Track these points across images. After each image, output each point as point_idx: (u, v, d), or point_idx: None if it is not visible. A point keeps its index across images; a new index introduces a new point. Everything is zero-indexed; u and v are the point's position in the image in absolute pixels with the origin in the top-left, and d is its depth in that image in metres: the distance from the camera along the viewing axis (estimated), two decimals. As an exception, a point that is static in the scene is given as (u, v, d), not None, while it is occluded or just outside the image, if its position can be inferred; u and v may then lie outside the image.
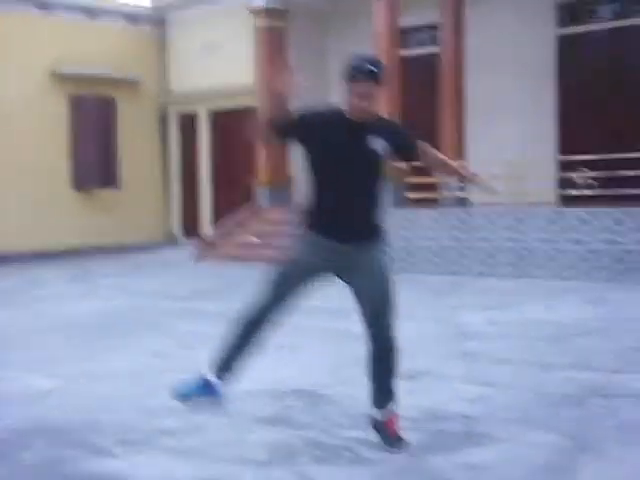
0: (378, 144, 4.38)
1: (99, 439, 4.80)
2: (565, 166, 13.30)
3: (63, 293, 12.02)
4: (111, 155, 18.61)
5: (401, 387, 5.83)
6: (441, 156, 4.89)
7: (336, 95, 16.00)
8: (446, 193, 13.77)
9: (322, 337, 7.63)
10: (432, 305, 9.93)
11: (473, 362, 6.65)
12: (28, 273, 14.64)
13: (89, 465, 4.35)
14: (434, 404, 5.38)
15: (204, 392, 4.58)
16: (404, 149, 4.57)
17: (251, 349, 4.56)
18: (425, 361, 6.71)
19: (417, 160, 4.66)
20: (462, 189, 13.62)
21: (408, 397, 5.55)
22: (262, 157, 16.59)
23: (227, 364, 4.58)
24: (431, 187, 13.94)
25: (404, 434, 4.48)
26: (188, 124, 19.34)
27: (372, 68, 4.26)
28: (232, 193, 18.20)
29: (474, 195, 13.56)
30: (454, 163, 4.97)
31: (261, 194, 16.76)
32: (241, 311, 4.55)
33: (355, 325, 8.19)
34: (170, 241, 19.49)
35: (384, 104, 14.06)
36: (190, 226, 19.30)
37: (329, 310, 8.84)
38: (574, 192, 12.46)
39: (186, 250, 16.89)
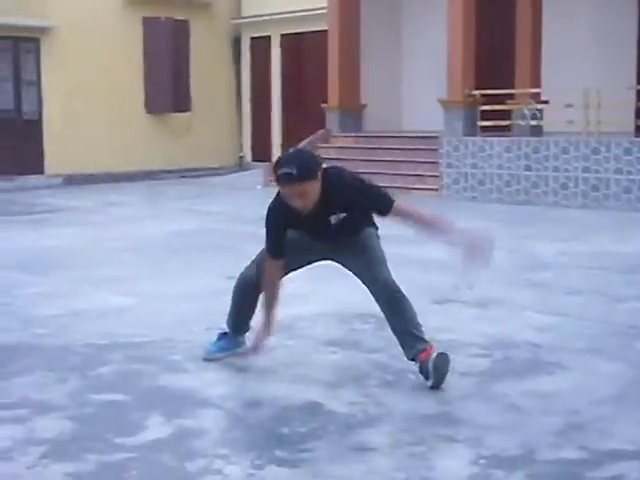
0: (340, 215, 4.31)
1: (173, 356, 4.94)
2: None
3: (137, 215, 12.24)
4: (184, 79, 18.68)
5: (471, 314, 5.88)
6: (426, 216, 4.44)
7: (407, 73, 15.73)
8: (520, 121, 13.55)
9: (390, 264, 7.64)
10: (504, 235, 9.84)
11: (544, 292, 6.63)
12: (102, 195, 14.91)
13: (164, 380, 4.49)
14: (503, 332, 5.39)
15: (230, 346, 4.78)
16: (382, 213, 4.35)
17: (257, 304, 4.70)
18: (496, 290, 6.71)
19: (398, 220, 4.37)
20: (536, 117, 13.39)
21: (477, 324, 5.59)
22: (334, 82, 16.46)
23: (242, 324, 4.77)
24: (504, 115, 13.72)
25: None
26: (260, 48, 19.28)
27: (287, 171, 4.09)
28: (303, 118, 18.16)
29: (549, 124, 13.33)
30: (444, 224, 4.51)
31: (331, 119, 16.68)
32: (243, 275, 4.67)
33: (422, 252, 8.23)
34: (240, 165, 19.61)
35: (457, 27, 13.84)
36: (261, 150, 19.35)
37: (397, 237, 8.84)
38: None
39: (256, 174, 16.98)
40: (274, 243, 4.41)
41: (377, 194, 4.35)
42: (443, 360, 4.26)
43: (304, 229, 4.42)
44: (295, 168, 4.11)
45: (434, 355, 4.23)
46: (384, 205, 4.29)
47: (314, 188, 4.18)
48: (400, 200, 4.32)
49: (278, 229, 4.39)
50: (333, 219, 4.31)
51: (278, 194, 4.33)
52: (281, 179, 4.16)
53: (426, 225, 4.42)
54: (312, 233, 4.44)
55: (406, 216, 4.34)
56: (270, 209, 4.41)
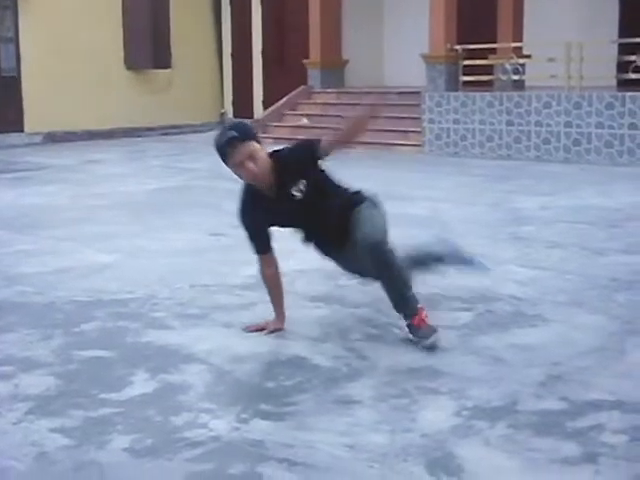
0: (300, 185, 4.29)
1: (157, 313, 4.95)
2: (626, 49, 12.92)
3: (118, 173, 12.19)
4: (163, 34, 18.50)
5: (453, 269, 5.90)
6: (345, 129, 4.39)
7: (389, 29, 15.60)
8: (501, 76, 13.52)
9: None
10: (486, 189, 9.89)
11: (525, 246, 6.67)
12: (83, 152, 14.82)
13: (149, 336, 4.51)
14: (485, 285, 5.43)
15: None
16: (317, 157, 4.31)
17: None
18: (478, 244, 6.73)
19: (332, 152, 4.31)
20: (518, 72, 13.36)
21: (459, 278, 5.61)
22: (316, 38, 16.34)
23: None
24: (486, 70, 13.69)
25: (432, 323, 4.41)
26: (241, 3, 19.08)
27: (229, 135, 4.15)
28: (285, 73, 18.04)
29: (531, 79, 13.32)
30: (356, 118, 4.46)
31: (313, 75, 16.58)
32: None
33: (405, 208, 8.24)
34: (222, 122, 19.50)
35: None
36: (242, 107, 19.25)
37: (381, 194, 8.87)
38: (633, 76, 12.14)
39: (238, 131, 16.88)
40: (256, 240, 4.42)
41: (304, 142, 4.38)
42: (432, 337, 4.23)
43: (279, 220, 4.42)
44: (234, 131, 4.19)
45: (425, 329, 4.24)
46: (313, 145, 4.28)
47: (260, 151, 4.20)
48: (325, 137, 4.31)
49: (255, 224, 4.37)
50: (295, 191, 4.28)
51: (243, 193, 4.38)
52: (226, 145, 4.16)
53: (344, 137, 4.37)
54: (288, 220, 4.44)
55: (334, 144, 4.30)
56: (240, 210, 4.40)
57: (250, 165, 4.16)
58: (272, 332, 4.47)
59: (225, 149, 4.18)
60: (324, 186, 4.40)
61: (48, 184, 10.89)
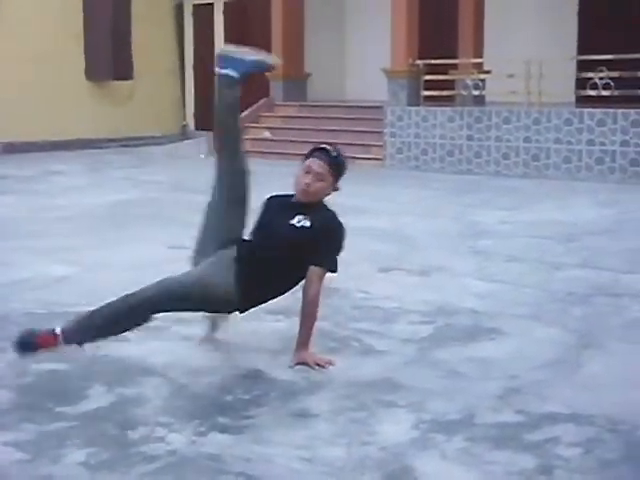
0: (303, 225, 4.19)
1: (115, 325, 4.90)
2: (584, 66, 13.09)
3: (78, 184, 12.09)
4: (125, 45, 18.41)
5: (414, 282, 5.94)
6: (305, 303, 4.21)
7: (351, 42, 15.66)
8: (462, 91, 13.63)
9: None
10: (446, 203, 9.96)
11: (484, 259, 6.72)
12: (42, 163, 14.68)
13: (106, 349, 4.45)
14: (444, 299, 5.45)
15: None
16: (314, 258, 4.17)
17: None
18: (437, 257, 6.78)
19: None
20: (478, 87, 13.48)
21: (420, 292, 5.65)
22: (278, 50, 16.36)
23: None
24: (447, 85, 13.79)
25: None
26: (203, 15, 19.08)
27: (331, 150, 4.27)
28: (247, 86, 17.95)
29: (491, 94, 13.44)
30: (303, 326, 4.24)
31: (275, 88, 16.59)
32: None
33: (366, 221, 8.27)
34: (183, 134, 19.44)
35: (404, 7, 13.83)
36: (204, 119, 19.20)
37: (349, 208, 8.89)
38: (592, 92, 12.30)
39: (199, 143, 16.86)
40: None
41: (333, 250, 4.22)
42: None
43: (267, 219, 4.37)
44: (337, 153, 4.29)
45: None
46: (324, 262, 4.17)
47: (327, 186, 4.25)
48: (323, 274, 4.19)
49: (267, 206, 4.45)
50: (296, 220, 4.21)
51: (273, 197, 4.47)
52: (321, 153, 4.26)
53: (302, 306, 4.24)
54: (269, 224, 4.33)
55: (308, 285, 4.17)
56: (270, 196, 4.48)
57: (310, 181, 4.21)
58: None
59: (315, 153, 4.28)
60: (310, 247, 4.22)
61: (5, 195, 10.77)
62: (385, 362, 4.27)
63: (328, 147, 4.33)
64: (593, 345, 4.55)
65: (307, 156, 4.33)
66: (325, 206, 4.32)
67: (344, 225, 4.29)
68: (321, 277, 4.19)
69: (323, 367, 4.11)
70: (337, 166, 4.28)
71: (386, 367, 4.18)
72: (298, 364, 4.13)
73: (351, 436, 3.36)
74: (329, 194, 4.32)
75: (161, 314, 4.09)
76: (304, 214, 4.21)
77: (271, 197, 4.50)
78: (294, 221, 4.20)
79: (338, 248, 4.25)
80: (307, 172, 4.24)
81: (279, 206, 4.37)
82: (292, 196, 4.36)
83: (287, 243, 4.16)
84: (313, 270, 4.16)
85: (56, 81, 17.37)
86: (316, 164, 4.25)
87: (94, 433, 3.40)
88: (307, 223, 4.19)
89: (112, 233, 7.99)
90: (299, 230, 4.18)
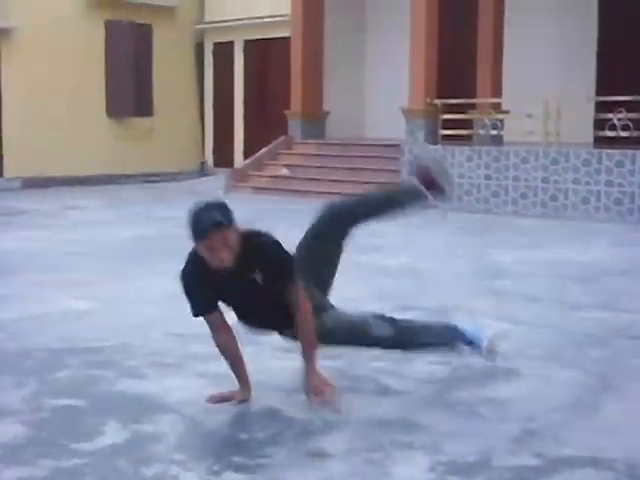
0: (258, 276, 4.04)
1: (131, 361, 4.91)
2: (603, 107, 13.11)
3: (97, 219, 12.16)
4: (146, 83, 18.61)
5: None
6: (302, 319, 4.09)
7: (369, 81, 15.76)
8: (480, 131, 13.66)
9: (346, 270, 7.68)
10: (463, 243, 9.94)
11: (502, 299, 6.69)
12: (62, 198, 14.79)
13: (122, 385, 4.46)
14: (461, 339, 5.41)
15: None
16: (279, 281, 4.05)
17: None
18: (454, 297, 6.76)
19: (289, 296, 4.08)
20: (496, 127, 13.51)
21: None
22: (297, 89, 16.49)
23: None
24: (465, 124, 13.83)
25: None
26: (223, 53, 19.26)
27: (216, 219, 3.86)
28: (265, 124, 18.16)
29: (509, 134, 13.47)
30: (306, 343, 4.13)
31: (294, 126, 16.69)
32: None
33: (383, 259, 8.26)
34: (202, 171, 19.55)
35: (420, 36, 13.92)
36: (222, 156, 19.33)
37: (362, 246, 8.90)
38: (610, 133, 12.30)
39: (217, 180, 16.93)
40: (196, 297, 4.10)
41: (282, 261, 4.06)
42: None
43: (226, 296, 4.16)
44: (220, 215, 3.88)
45: None
46: (287, 277, 4.05)
47: (236, 240, 3.93)
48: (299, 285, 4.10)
49: (197, 286, 4.08)
50: (256, 276, 4.03)
51: (188, 263, 4.09)
52: (210, 228, 3.85)
53: (298, 324, 4.12)
54: (234, 295, 4.14)
55: (294, 306, 4.08)
56: (183, 275, 4.11)
57: (224, 254, 3.89)
58: (239, 403, 4.18)
59: (206, 233, 3.86)
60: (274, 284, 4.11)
61: (25, 229, 10.84)
62: (401, 402, 4.24)
63: (215, 219, 3.87)
64: (611, 388, 4.51)
65: (197, 236, 3.92)
66: (246, 244, 3.98)
67: (264, 232, 4.11)
68: (298, 290, 4.07)
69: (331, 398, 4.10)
70: (229, 222, 3.91)
71: (402, 407, 4.16)
72: (316, 396, 4.08)
73: (366, 477, 3.33)
74: (237, 237, 3.96)
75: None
76: (242, 270, 3.98)
77: (189, 274, 4.12)
78: (251, 277, 4.03)
79: (283, 256, 4.06)
80: (212, 250, 3.89)
81: (213, 281, 4.04)
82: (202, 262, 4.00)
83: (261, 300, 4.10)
84: (289, 291, 4.05)
85: (77, 117, 17.56)
86: (220, 240, 3.87)
87: (108, 470, 3.38)
88: (255, 275, 4.03)
89: (129, 268, 8.02)
90: (260, 280, 4.04)
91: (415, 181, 4.33)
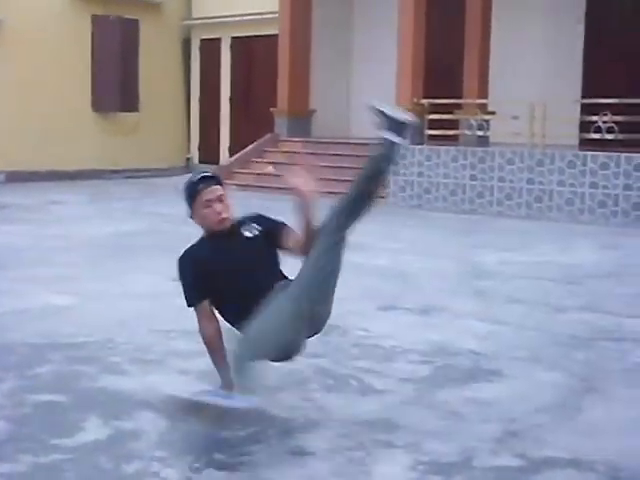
0: (252, 229, 4.19)
1: (113, 357, 4.88)
2: (588, 109, 13.14)
3: (81, 214, 12.10)
4: (132, 78, 18.53)
5: (414, 321, 5.92)
6: (302, 225, 4.01)
7: (356, 80, 15.63)
8: (466, 131, 13.68)
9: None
10: (448, 243, 9.95)
11: (486, 300, 6.70)
12: (46, 193, 14.71)
13: (103, 381, 4.44)
14: (444, 339, 5.43)
15: None
16: (274, 231, 4.17)
17: None
18: (437, 297, 6.76)
19: (291, 245, 4.09)
20: (482, 128, 13.53)
21: (420, 331, 5.63)
22: (284, 87, 16.47)
23: None
24: (451, 124, 13.85)
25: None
26: (210, 50, 19.21)
27: (203, 173, 4.23)
28: (252, 121, 18.13)
29: (495, 135, 13.49)
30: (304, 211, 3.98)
31: (280, 124, 16.67)
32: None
33: (367, 259, 8.25)
34: (188, 167, 19.50)
35: (408, 36, 13.92)
36: (208, 153, 19.28)
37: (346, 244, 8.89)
38: (595, 136, 12.34)
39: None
40: (193, 287, 4.11)
41: (276, 220, 4.26)
42: None
43: (221, 263, 4.13)
44: (210, 173, 4.26)
45: None
46: (281, 224, 4.20)
47: (228, 198, 4.16)
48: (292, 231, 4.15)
49: (193, 268, 4.12)
50: (246, 231, 4.17)
51: (189, 248, 4.24)
52: (200, 182, 4.14)
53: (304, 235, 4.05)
54: (231, 261, 4.13)
55: (293, 235, 4.11)
56: (182, 257, 4.22)
57: (221, 208, 4.12)
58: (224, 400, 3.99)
59: (197, 186, 4.13)
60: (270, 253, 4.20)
61: (7, 224, 10.77)
62: (383, 401, 4.24)
63: (206, 174, 4.24)
64: (594, 390, 4.52)
65: (191, 196, 4.17)
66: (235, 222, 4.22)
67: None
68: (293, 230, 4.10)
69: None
70: (218, 180, 4.22)
71: (384, 406, 4.15)
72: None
73: (348, 476, 3.33)
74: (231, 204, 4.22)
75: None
76: (239, 229, 4.18)
77: (189, 254, 4.23)
78: (246, 233, 4.17)
79: (271, 216, 4.30)
80: (209, 205, 4.11)
81: (213, 247, 4.17)
82: (204, 239, 4.23)
83: (257, 257, 4.12)
84: (285, 232, 4.13)
85: (63, 111, 17.46)
86: (214, 193, 4.13)
87: (89, 466, 3.37)
88: (255, 231, 4.18)
89: (113, 264, 7.98)
90: (255, 239, 4.16)
91: (380, 133, 4.23)
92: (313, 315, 3.87)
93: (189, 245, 4.26)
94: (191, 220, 4.24)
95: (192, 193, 4.17)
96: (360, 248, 8.78)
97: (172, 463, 3.41)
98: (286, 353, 3.94)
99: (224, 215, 4.13)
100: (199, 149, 19.77)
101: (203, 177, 4.19)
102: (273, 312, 3.71)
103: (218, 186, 4.17)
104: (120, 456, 3.46)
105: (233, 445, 3.62)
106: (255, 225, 4.22)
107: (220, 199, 4.14)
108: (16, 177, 16.68)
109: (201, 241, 4.26)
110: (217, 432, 3.78)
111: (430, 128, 13.79)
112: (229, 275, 4.08)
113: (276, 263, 4.19)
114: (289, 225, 4.15)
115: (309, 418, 3.96)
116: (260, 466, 3.42)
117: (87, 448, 3.55)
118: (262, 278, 4.05)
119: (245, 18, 18.09)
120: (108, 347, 5.09)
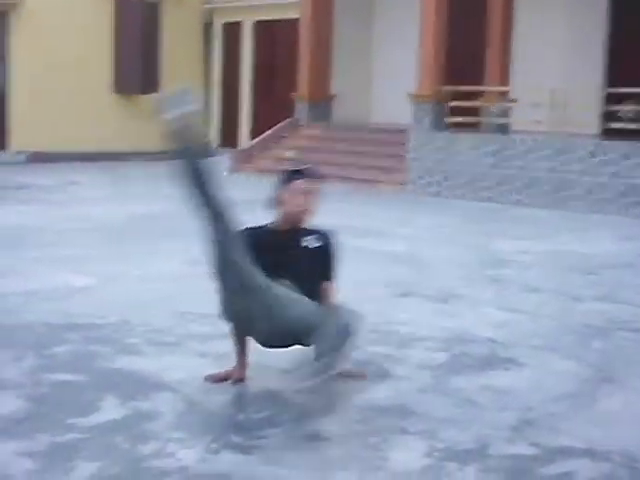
0: (312, 241, 4.26)
1: (130, 338, 4.91)
2: (611, 98, 13.06)
3: (100, 196, 12.15)
4: (153, 61, 18.54)
5: (431, 308, 5.91)
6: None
7: (377, 66, 15.66)
8: (487, 119, 13.62)
9: (357, 257, 7.67)
10: (467, 231, 9.93)
11: (503, 289, 6.68)
12: (66, 174, 14.77)
13: (120, 362, 4.46)
14: (461, 326, 5.42)
15: None
16: (321, 264, 4.28)
17: None
18: (455, 284, 6.75)
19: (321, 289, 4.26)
20: (503, 115, 13.47)
21: (437, 318, 5.62)
22: (304, 72, 16.44)
23: None
24: (472, 112, 13.79)
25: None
26: (231, 33, 19.19)
27: (312, 168, 4.37)
28: (272, 106, 18.12)
29: (516, 123, 13.43)
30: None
31: (300, 109, 16.65)
32: None
33: (385, 245, 8.25)
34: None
35: (430, 22, 13.87)
36: (228, 136, 19.29)
37: (363, 231, 8.89)
38: (617, 125, 12.26)
39: (222, 160, 16.90)
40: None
41: (334, 263, 4.34)
42: None
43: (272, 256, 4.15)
44: (316, 169, 4.37)
45: None
46: (331, 272, 4.32)
47: (317, 202, 4.27)
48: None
49: (250, 239, 4.10)
50: (304, 241, 4.24)
51: (255, 225, 4.28)
52: (307, 172, 4.28)
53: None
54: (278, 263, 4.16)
55: (327, 295, 4.27)
56: (246, 228, 4.18)
57: (304, 201, 4.21)
58: (236, 382, 4.20)
59: (301, 174, 4.26)
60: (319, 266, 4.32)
61: (28, 204, 10.83)
62: (400, 388, 4.24)
63: (312, 167, 4.39)
64: (611, 379, 4.50)
65: (290, 178, 4.25)
66: (313, 228, 4.34)
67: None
68: (333, 288, 4.32)
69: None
70: (322, 181, 4.36)
71: (401, 393, 4.16)
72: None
73: (363, 461, 3.34)
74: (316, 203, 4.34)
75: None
76: (300, 236, 4.25)
77: (250, 230, 4.24)
78: (304, 244, 4.24)
79: (336, 260, 4.38)
80: (302, 193, 4.21)
81: (270, 239, 4.21)
82: (268, 228, 4.27)
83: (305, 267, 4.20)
84: (329, 285, 4.31)
85: (84, 92, 17.51)
86: (310, 185, 4.24)
87: (105, 446, 3.39)
88: (316, 243, 4.26)
89: (131, 245, 8.01)
90: (307, 251, 4.23)
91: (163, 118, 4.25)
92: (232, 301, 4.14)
93: (253, 225, 4.30)
94: (268, 204, 4.28)
95: (291, 177, 4.27)
96: (378, 234, 8.79)
97: (189, 444, 3.42)
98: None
99: (308, 208, 4.24)
100: (219, 133, 19.78)
101: (309, 169, 4.33)
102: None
103: (318, 183, 4.30)
104: (136, 436, 3.48)
105: (249, 428, 3.63)
106: (316, 242, 4.27)
107: (311, 192, 4.24)
108: (37, 158, 16.76)
109: (264, 227, 4.31)
110: (233, 415, 3.80)
111: (451, 115, 13.74)
112: (269, 271, 4.06)
113: (313, 282, 4.24)
114: (333, 278, 4.32)
115: (325, 403, 3.97)
116: (276, 449, 3.43)
117: (103, 428, 3.57)
118: (296, 285, 4.13)
119: (267, 2, 18.07)
120: (125, 328, 5.11)
